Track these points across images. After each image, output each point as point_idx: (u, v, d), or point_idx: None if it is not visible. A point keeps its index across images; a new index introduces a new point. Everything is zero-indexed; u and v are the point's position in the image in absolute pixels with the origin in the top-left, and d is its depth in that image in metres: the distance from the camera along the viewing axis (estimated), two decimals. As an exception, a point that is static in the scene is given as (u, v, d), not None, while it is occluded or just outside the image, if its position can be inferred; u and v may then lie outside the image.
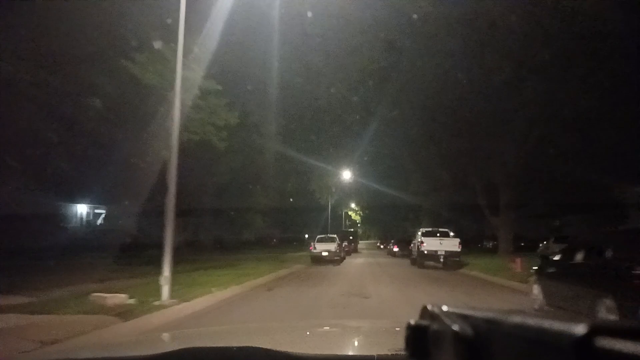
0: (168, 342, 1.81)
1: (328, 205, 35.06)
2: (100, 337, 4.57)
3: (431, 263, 18.23)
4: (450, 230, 19.28)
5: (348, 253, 33.59)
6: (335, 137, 33.83)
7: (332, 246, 21.13)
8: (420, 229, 19.72)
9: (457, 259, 17.59)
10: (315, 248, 21.22)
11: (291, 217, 40.32)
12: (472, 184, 24.24)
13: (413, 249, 20.59)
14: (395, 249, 34.31)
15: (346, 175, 36.77)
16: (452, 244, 17.61)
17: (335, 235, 22.97)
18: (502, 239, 21.32)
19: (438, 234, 18.72)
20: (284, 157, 27.99)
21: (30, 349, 3.87)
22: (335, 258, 21.21)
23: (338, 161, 35.68)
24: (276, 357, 1.23)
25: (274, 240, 45.77)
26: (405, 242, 35.65)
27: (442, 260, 17.53)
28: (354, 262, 22.66)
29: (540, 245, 24.06)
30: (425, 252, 17.68)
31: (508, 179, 20.32)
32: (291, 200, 36.27)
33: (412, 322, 0.63)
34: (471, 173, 22.35)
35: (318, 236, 22.76)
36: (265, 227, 46.56)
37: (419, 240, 18.35)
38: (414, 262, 20.47)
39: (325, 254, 20.86)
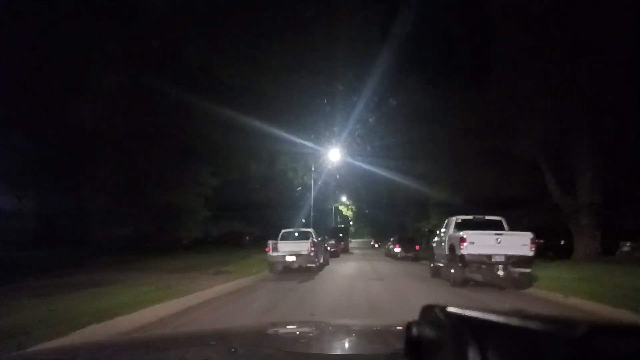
0: (168, 342, 1.74)
1: (311, 192, 26.75)
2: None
3: (475, 276, 10.12)
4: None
5: (335, 254, 25.58)
6: (320, 104, 25.74)
7: (304, 247, 12.93)
8: (454, 218, 11.59)
9: (528, 271, 9.47)
10: (275, 250, 12.99)
11: (265, 209, 31.76)
12: (514, 156, 16.31)
13: (437, 252, 12.43)
14: (397, 250, 26.27)
15: (333, 156, 28.60)
16: (518, 243, 9.47)
17: (310, 230, 14.76)
18: (582, 235, 13.19)
19: (487, 225, 10.65)
20: (247, 129, 19.72)
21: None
22: (309, 265, 13.02)
23: (322, 137, 27.62)
24: (277, 356, 1.23)
25: (247, 238, 37.35)
26: (409, 240, 27.70)
27: (500, 272, 9.39)
28: (340, 272, 14.36)
29: (624, 245, 15.91)
30: (469, 256, 9.51)
31: (601, 131, 12.18)
32: (266, 187, 27.99)
33: (413, 322, 0.62)
34: (524, 131, 14.16)
35: (283, 231, 14.50)
36: (239, 222, 38.31)
37: (456, 235, 10.22)
38: (437, 273, 12.39)
39: (291, 259, 12.64)
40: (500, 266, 9.37)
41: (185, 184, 17.23)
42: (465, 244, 9.51)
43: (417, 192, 28.58)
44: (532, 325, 0.46)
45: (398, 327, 1.67)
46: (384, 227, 55.77)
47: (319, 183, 29.82)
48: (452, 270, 10.13)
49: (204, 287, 8.62)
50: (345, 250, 35.20)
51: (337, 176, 43.06)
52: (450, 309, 0.58)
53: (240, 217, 36.54)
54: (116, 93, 15.58)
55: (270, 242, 12.90)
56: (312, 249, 12.72)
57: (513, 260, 9.35)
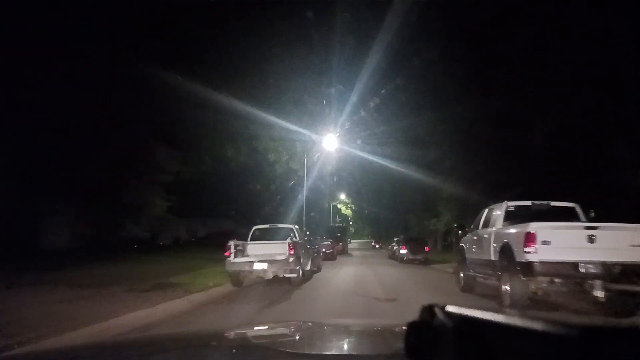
0: (168, 342, 1.71)
1: (304, 187, 22.91)
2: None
3: (548, 296, 6.32)
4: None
5: (331, 257, 21.93)
6: (315, 86, 21.91)
7: (280, 250, 9.15)
8: (500, 206, 7.72)
9: (640, 290, 5.67)
10: (240, 254, 9.24)
11: (259, 207, 27.82)
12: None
13: (471, 256, 8.60)
14: (403, 251, 22.47)
15: (329, 145, 24.82)
16: (625, 242, 5.69)
17: (291, 227, 10.87)
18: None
19: (556, 215, 6.88)
20: (224, 109, 16.02)
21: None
22: (288, 275, 9.18)
23: (316, 122, 23.77)
24: (278, 356, 1.20)
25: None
26: (417, 241, 23.86)
27: (598, 293, 5.58)
28: (332, 285, 10.51)
29: None
30: (541, 265, 5.70)
31: None
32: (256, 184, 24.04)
33: (413, 322, 0.62)
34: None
35: (254, 228, 10.70)
36: (231, 221, 34.57)
37: (513, 231, 6.44)
38: (471, 286, 8.69)
39: (261, 267, 8.82)
40: (597, 282, 5.58)
41: (136, 169, 13.38)
42: (535, 245, 5.71)
43: (426, 185, 24.87)
44: (532, 325, 0.45)
45: (398, 327, 1.67)
46: (386, 226, 51.97)
47: (313, 176, 25.93)
48: (507, 287, 6.31)
49: (83, 322, 4.83)
50: (344, 251, 31.57)
51: (335, 178, 39.48)
52: (451, 309, 0.57)
53: (231, 215, 32.86)
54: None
55: (231, 242, 9.09)
56: (292, 252, 8.90)
57: (618, 272, 5.57)
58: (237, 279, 9.15)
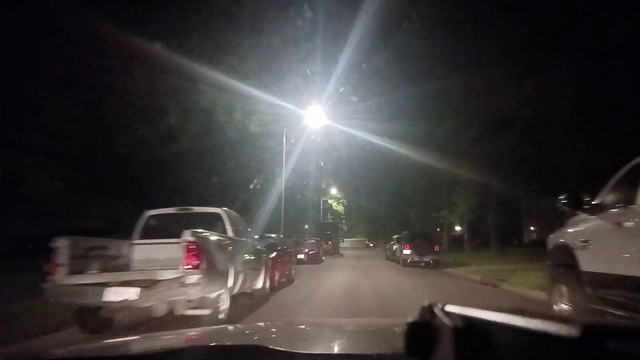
0: (168, 341, 1.65)
1: (282, 166, 17.94)
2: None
3: None
4: None
5: (315, 259, 17.33)
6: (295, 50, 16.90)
7: (170, 257, 4.21)
8: None
9: None
10: (80, 268, 4.27)
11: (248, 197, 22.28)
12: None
13: (593, 267, 3.65)
14: (407, 251, 17.60)
15: (315, 120, 19.95)
16: None
17: (218, 211, 5.62)
18: None
19: None
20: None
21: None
22: (193, 313, 4.22)
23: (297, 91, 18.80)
24: (276, 355, 1.20)
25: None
26: (425, 238, 18.76)
27: None
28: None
29: None
30: None
31: None
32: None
33: (412, 320, 0.62)
34: None
35: (148, 215, 5.56)
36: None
37: None
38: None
39: (121, 297, 3.82)
40: None
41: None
42: None
43: (433, 171, 20.18)
44: (532, 324, 0.45)
45: (398, 326, 1.61)
46: (382, 223, 47.16)
47: (296, 158, 20.86)
48: None
49: None
50: (334, 251, 27.01)
51: (323, 164, 34.47)
52: (451, 308, 0.57)
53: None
54: None
55: (60, 242, 4.07)
56: (195, 262, 3.94)
57: None
58: (91, 318, 4.22)
